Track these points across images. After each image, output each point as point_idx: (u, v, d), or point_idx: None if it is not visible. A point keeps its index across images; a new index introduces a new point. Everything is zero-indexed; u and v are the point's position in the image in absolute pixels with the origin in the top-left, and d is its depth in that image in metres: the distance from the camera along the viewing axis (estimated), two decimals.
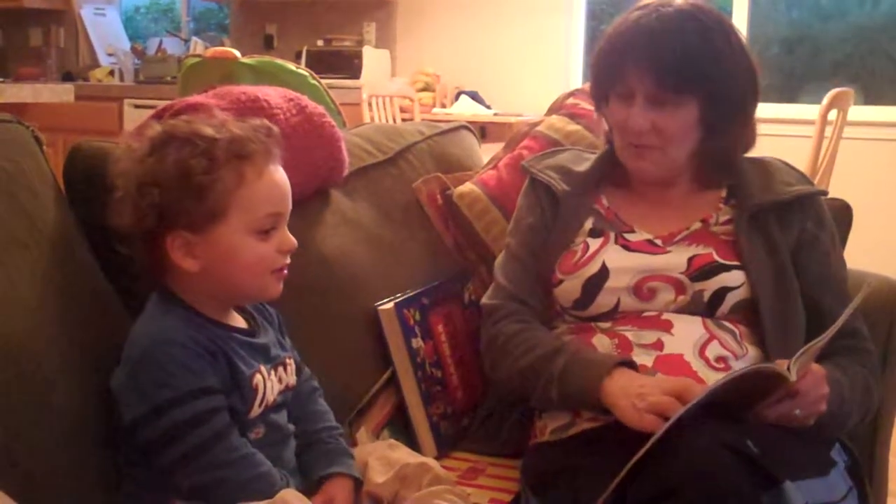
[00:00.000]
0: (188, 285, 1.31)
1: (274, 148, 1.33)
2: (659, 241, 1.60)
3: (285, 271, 1.34)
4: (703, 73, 1.52)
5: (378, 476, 1.39)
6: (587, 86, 1.73)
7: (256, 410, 1.31)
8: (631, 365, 1.46)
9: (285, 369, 1.39)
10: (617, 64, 1.56)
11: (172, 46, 6.16)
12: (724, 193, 1.65)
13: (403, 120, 4.53)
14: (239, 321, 1.37)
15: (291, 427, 1.39)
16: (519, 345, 1.58)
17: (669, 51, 1.51)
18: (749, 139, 1.64)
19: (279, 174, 1.33)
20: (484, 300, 1.71)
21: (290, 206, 1.35)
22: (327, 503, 1.33)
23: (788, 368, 1.28)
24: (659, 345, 1.50)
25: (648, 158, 1.59)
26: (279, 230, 1.32)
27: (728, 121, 1.58)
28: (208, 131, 1.29)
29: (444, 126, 2.20)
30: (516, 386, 1.62)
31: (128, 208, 1.28)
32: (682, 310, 1.54)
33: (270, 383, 1.34)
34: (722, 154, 1.63)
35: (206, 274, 1.29)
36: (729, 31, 1.56)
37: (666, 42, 1.51)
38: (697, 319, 1.53)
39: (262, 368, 1.33)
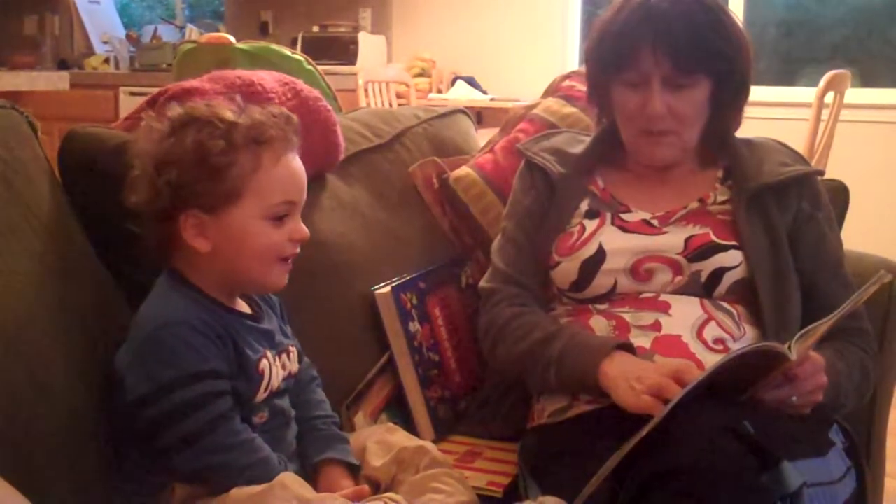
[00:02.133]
0: (197, 267, 1.32)
1: (292, 136, 1.34)
2: (655, 222, 1.60)
3: (290, 264, 1.35)
4: (716, 52, 1.53)
5: (376, 459, 1.40)
6: (583, 68, 1.71)
7: (262, 395, 1.31)
8: (629, 348, 1.46)
9: (289, 356, 1.40)
10: (627, 50, 1.54)
11: (167, 34, 6.14)
12: (720, 173, 1.65)
13: (400, 106, 4.52)
14: (244, 307, 1.38)
15: (293, 412, 1.40)
16: (517, 329, 1.58)
17: (683, 33, 1.51)
18: (741, 118, 1.65)
19: (296, 163, 1.34)
20: (481, 284, 1.71)
21: (304, 196, 1.36)
22: (329, 491, 1.33)
23: (789, 348, 1.28)
24: (657, 326, 1.50)
25: (665, 144, 1.59)
26: (292, 218, 1.33)
27: (735, 97, 1.60)
28: (228, 115, 1.31)
29: (441, 110, 2.19)
30: (515, 370, 1.62)
31: (144, 186, 1.29)
32: (679, 291, 1.54)
33: (276, 369, 1.34)
34: (723, 132, 1.64)
35: (216, 256, 1.30)
36: (724, 8, 1.58)
37: (679, 24, 1.51)
38: (695, 300, 1.53)
39: (268, 354, 1.33)
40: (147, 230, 1.33)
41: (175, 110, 1.32)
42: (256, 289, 1.39)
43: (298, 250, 1.35)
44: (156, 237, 1.33)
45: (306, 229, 1.35)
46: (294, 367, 1.40)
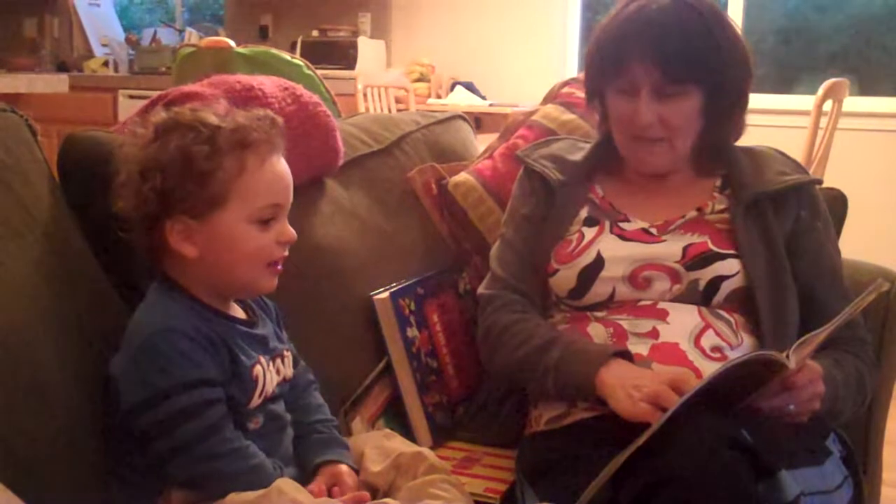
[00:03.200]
0: (186, 272, 1.31)
1: (277, 139, 1.34)
2: (654, 230, 1.60)
3: (280, 266, 1.35)
4: (707, 63, 1.52)
5: (374, 465, 1.39)
6: (582, 74, 1.72)
7: (256, 401, 1.31)
8: (627, 356, 1.46)
9: (283, 361, 1.39)
10: (619, 58, 1.55)
11: (167, 37, 6.14)
12: (718, 182, 1.65)
13: (399, 111, 4.52)
14: (238, 312, 1.38)
15: (289, 416, 1.40)
16: (515, 335, 1.58)
17: (674, 42, 1.50)
18: (741, 127, 1.65)
19: (281, 165, 1.34)
20: (480, 290, 1.71)
21: (290, 198, 1.35)
22: (330, 484, 1.33)
23: (787, 356, 1.28)
24: (654, 333, 1.50)
25: (657, 152, 1.58)
26: (279, 221, 1.33)
27: (729, 108, 1.59)
28: (212, 119, 1.30)
29: (440, 115, 2.20)
30: (513, 376, 1.62)
31: (130, 192, 1.29)
32: (677, 299, 1.54)
33: (270, 374, 1.34)
34: (719, 142, 1.64)
35: (204, 261, 1.29)
36: (723, 19, 1.57)
37: (670, 34, 1.51)
38: (693, 308, 1.53)
39: (262, 359, 1.33)
40: (135, 236, 1.32)
41: (159, 115, 1.32)
42: (247, 293, 1.39)
43: (286, 253, 1.35)
44: (144, 243, 1.32)
45: (293, 231, 1.34)
46: (288, 371, 1.40)
